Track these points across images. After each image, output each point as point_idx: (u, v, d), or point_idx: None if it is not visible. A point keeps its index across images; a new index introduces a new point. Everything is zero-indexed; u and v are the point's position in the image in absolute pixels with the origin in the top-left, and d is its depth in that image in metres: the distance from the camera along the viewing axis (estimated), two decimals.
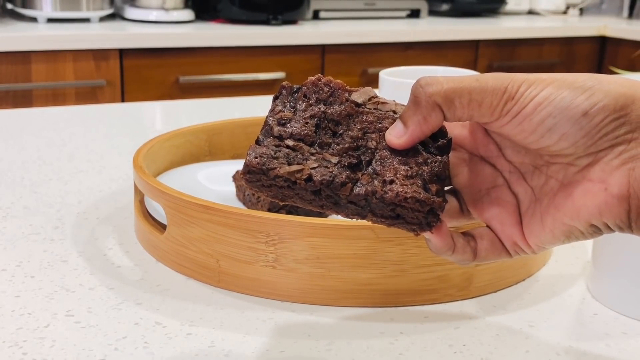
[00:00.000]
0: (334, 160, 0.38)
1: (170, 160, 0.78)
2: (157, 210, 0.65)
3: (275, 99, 0.40)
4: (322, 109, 0.39)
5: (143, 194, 0.67)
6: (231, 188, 0.74)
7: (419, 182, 0.38)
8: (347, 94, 0.40)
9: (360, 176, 0.38)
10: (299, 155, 0.38)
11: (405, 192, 0.37)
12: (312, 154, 0.38)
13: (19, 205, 0.75)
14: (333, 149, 0.39)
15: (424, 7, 2.66)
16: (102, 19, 2.22)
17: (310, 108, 0.39)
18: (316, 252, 0.55)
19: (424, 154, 0.39)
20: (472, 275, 0.57)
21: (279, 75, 2.17)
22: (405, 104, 0.39)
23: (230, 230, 0.56)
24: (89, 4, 2.12)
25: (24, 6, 2.11)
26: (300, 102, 0.40)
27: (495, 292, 0.59)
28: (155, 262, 0.63)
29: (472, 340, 0.52)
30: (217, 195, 0.72)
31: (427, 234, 0.40)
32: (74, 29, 2.00)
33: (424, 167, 0.38)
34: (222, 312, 0.55)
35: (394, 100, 0.40)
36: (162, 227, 0.64)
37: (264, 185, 0.38)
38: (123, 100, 2.01)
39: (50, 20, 2.12)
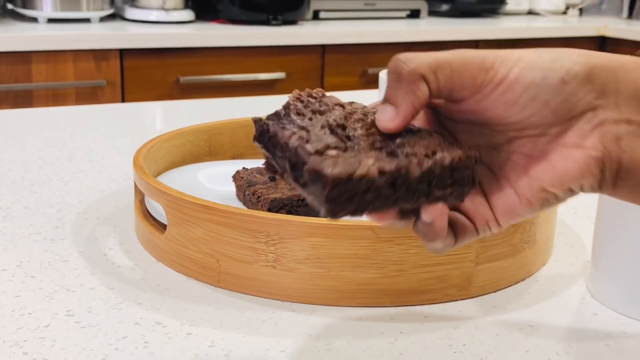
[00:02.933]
0: (374, 154, 0.36)
1: (171, 160, 0.78)
2: (158, 210, 0.65)
3: (258, 138, 0.38)
4: (324, 118, 0.38)
5: (143, 194, 0.67)
6: (231, 188, 0.74)
7: (452, 146, 0.37)
8: (331, 98, 0.39)
9: (406, 159, 0.37)
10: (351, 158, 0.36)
11: (458, 154, 0.37)
12: (354, 157, 0.36)
13: (19, 205, 0.75)
14: (362, 148, 0.37)
15: (424, 7, 2.66)
16: (103, 19, 2.22)
17: (313, 121, 0.38)
18: (316, 252, 0.55)
19: (423, 133, 0.38)
20: (472, 275, 0.57)
21: (279, 75, 2.17)
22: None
23: (231, 230, 0.56)
24: (90, 4, 2.12)
25: (25, 6, 2.11)
26: (299, 118, 0.38)
27: (495, 292, 0.59)
28: (155, 262, 0.63)
29: (472, 340, 0.52)
30: (217, 195, 0.72)
31: (429, 216, 0.39)
32: (75, 29, 2.00)
33: (435, 137, 0.38)
34: (222, 312, 0.55)
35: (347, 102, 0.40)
36: (162, 227, 0.64)
37: (347, 200, 0.35)
38: (123, 101, 2.01)
39: (51, 21, 2.12)
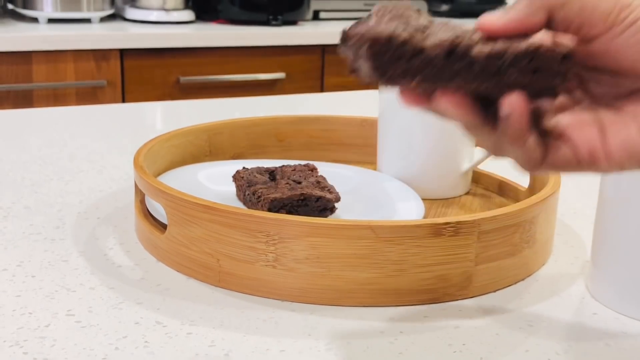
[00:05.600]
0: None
1: (171, 160, 0.79)
2: (158, 210, 0.65)
3: (343, 41, 0.36)
4: (406, 21, 0.36)
5: (144, 194, 0.67)
6: (231, 188, 0.74)
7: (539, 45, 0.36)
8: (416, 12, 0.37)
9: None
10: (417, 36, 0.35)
11: (540, 40, 0.35)
12: (415, 31, 0.35)
13: (19, 205, 0.75)
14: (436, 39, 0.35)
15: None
16: (103, 19, 2.23)
17: (392, 20, 0.36)
18: (316, 252, 0.55)
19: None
20: (472, 275, 0.57)
21: (279, 75, 2.17)
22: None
23: (231, 230, 0.56)
24: (90, 4, 2.12)
25: (25, 6, 2.11)
26: (376, 18, 0.36)
27: (495, 291, 0.59)
28: (155, 262, 0.63)
29: (472, 339, 0.52)
30: (217, 195, 0.72)
31: (507, 109, 0.37)
32: (75, 29, 2.00)
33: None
34: (222, 312, 0.55)
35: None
36: (162, 227, 0.64)
37: (390, 60, 0.34)
38: (124, 101, 2.02)
39: (51, 21, 2.12)
